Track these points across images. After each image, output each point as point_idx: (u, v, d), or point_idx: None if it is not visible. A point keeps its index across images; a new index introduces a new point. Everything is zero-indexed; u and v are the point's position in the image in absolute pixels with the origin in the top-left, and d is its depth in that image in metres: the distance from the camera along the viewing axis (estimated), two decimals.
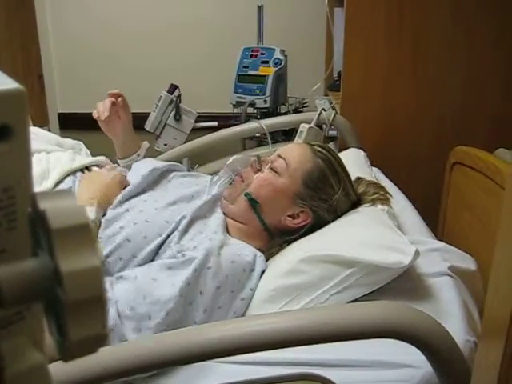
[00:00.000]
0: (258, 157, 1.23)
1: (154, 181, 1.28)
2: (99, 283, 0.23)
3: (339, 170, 1.19)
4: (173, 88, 2.37)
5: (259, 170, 1.21)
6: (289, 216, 1.16)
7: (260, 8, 2.41)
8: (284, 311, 0.99)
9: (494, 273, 0.55)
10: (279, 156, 1.20)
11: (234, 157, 1.32)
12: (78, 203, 0.24)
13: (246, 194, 1.18)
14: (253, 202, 1.17)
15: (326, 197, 1.16)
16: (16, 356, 0.24)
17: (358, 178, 1.31)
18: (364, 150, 1.67)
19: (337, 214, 1.18)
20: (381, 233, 1.07)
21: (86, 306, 0.23)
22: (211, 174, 1.41)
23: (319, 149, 1.21)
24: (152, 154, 1.91)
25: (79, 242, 0.23)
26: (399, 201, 1.39)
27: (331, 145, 2.01)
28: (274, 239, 1.19)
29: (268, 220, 1.18)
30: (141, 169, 1.30)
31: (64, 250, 0.23)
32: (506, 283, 0.51)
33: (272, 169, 1.18)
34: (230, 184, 1.27)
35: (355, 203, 1.22)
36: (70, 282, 0.23)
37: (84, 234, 0.23)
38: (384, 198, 1.23)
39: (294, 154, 1.19)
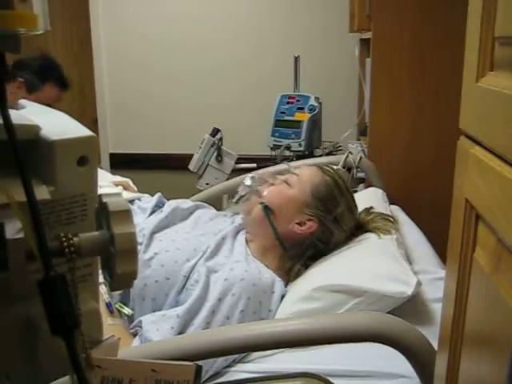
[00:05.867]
0: (273, 174, 1.42)
1: (183, 217, 1.42)
2: (134, 240, 0.40)
3: (343, 188, 1.35)
4: (215, 131, 2.58)
5: (273, 184, 1.37)
6: (297, 223, 1.29)
7: (296, 58, 2.59)
8: (290, 317, 1.12)
9: (446, 297, 0.66)
10: (292, 172, 1.37)
11: (251, 174, 1.46)
12: None
13: (261, 203, 1.33)
14: (266, 210, 1.31)
15: (331, 208, 1.30)
16: (84, 303, 0.41)
17: (370, 208, 1.43)
18: (386, 191, 1.78)
19: (342, 228, 1.31)
20: (388, 263, 1.20)
21: (126, 252, 0.39)
22: None
23: (328, 169, 1.37)
24: (194, 191, 2.10)
25: (124, 219, 0.40)
26: (414, 234, 1.51)
27: (360, 186, 2.13)
28: (287, 252, 1.30)
29: (279, 228, 1.30)
30: (170, 206, 1.45)
31: (116, 223, 0.39)
32: (452, 302, 0.61)
33: (285, 181, 1.34)
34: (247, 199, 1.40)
35: (361, 225, 1.36)
36: (119, 239, 0.39)
37: (127, 215, 0.40)
38: (392, 226, 1.36)
39: (306, 171, 1.36)
